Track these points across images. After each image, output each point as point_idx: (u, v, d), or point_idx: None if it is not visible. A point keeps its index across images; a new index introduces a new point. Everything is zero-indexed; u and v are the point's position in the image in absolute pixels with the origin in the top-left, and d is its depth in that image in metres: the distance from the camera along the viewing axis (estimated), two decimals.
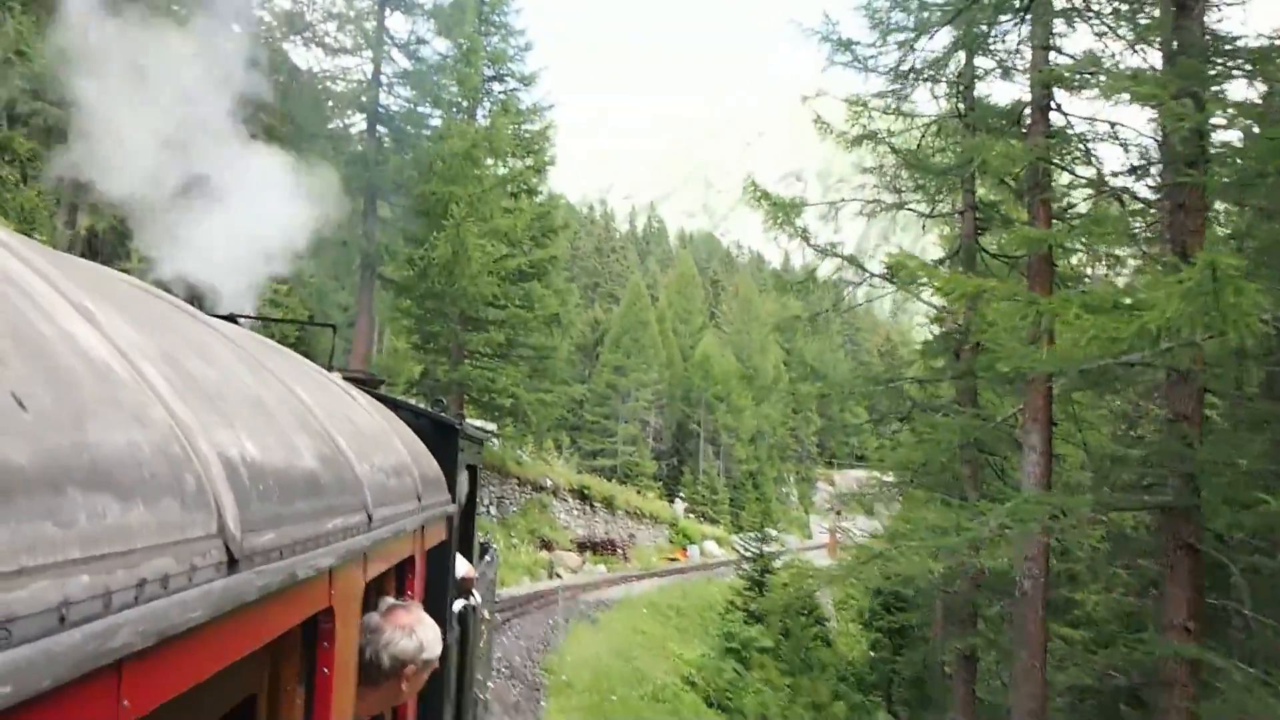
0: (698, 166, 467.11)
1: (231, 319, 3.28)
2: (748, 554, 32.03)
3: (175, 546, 0.87)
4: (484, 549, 7.08)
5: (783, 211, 14.91)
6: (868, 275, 15.56)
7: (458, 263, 27.81)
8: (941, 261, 15.85)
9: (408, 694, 2.64)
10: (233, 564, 1.02)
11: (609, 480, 49.25)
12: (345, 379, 3.52)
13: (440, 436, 4.22)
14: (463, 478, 4.60)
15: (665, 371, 65.37)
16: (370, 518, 1.85)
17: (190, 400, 1.12)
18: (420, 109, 30.73)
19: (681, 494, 61.37)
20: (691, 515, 58.71)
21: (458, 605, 4.20)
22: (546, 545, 35.05)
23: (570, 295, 39.81)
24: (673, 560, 46.31)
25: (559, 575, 33.25)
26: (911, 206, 16.41)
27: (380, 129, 30.68)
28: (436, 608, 3.51)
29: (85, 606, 0.67)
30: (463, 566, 4.54)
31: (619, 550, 41.73)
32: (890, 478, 18.06)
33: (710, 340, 72.93)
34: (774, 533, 40.04)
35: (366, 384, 4.32)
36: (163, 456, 0.91)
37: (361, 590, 1.96)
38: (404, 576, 2.90)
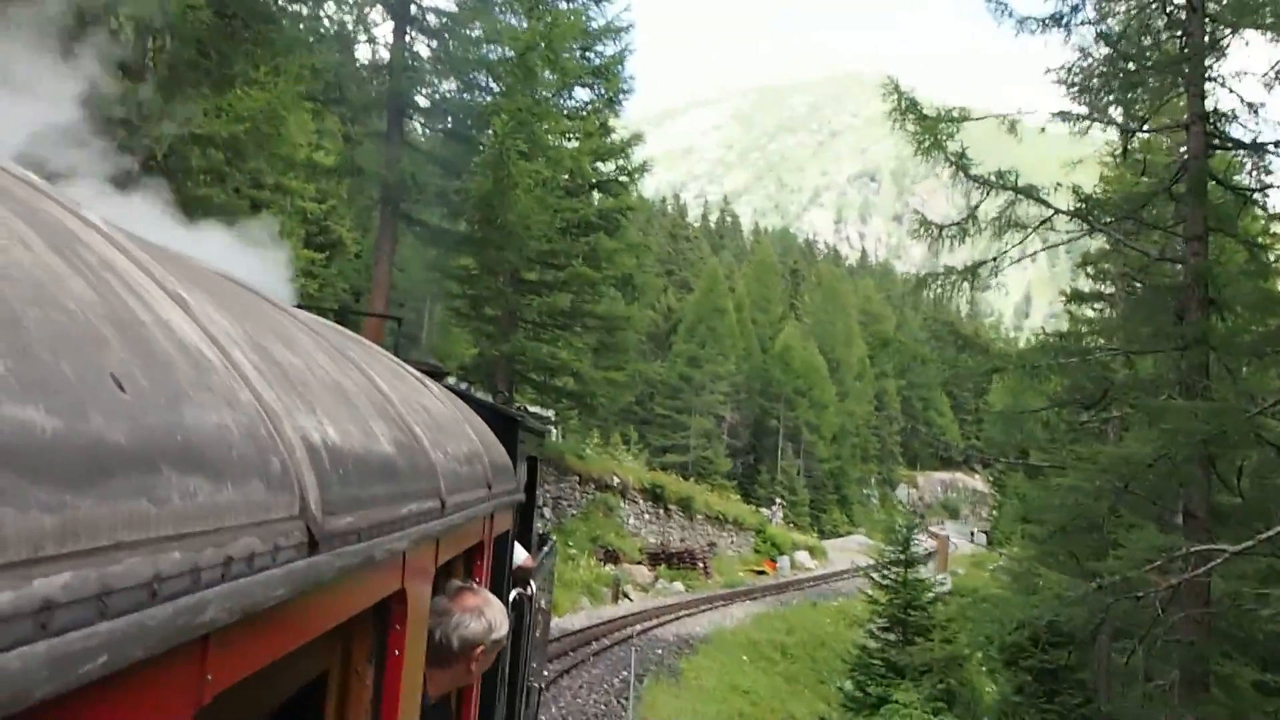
0: (770, 165, 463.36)
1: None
2: (885, 580, 21.97)
3: (260, 527, 0.90)
4: (543, 540, 7.22)
5: (932, 131, 11.70)
6: (1051, 213, 12.14)
7: (499, 194, 21.29)
8: (1151, 198, 12.17)
9: (475, 674, 2.71)
10: (313, 545, 1.05)
11: (684, 479, 43.78)
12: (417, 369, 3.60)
13: (500, 429, 4.26)
14: (521, 469, 4.67)
15: (743, 363, 62.69)
16: (443, 504, 1.89)
17: (276, 385, 1.16)
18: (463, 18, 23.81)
19: (778, 498, 58.24)
20: (788, 523, 54.65)
21: (512, 594, 4.26)
22: (611, 557, 29.94)
23: (646, 254, 32.59)
24: (760, 573, 40.84)
25: (626, 595, 27.93)
26: (1114, 117, 12.79)
27: (412, 34, 23.78)
28: (501, 593, 3.58)
29: (175, 582, 0.70)
30: (521, 555, 4.61)
31: (699, 563, 35.72)
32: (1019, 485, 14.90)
33: (791, 331, 70.14)
34: (936, 536, 31.34)
35: (434, 375, 4.40)
36: (250, 439, 0.95)
37: (432, 574, 2.01)
38: (472, 562, 2.96)
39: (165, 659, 0.70)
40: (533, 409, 26.63)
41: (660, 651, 21.35)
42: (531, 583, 4.94)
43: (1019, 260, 12.86)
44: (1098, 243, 19.97)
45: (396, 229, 23.55)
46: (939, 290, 13.34)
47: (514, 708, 4.72)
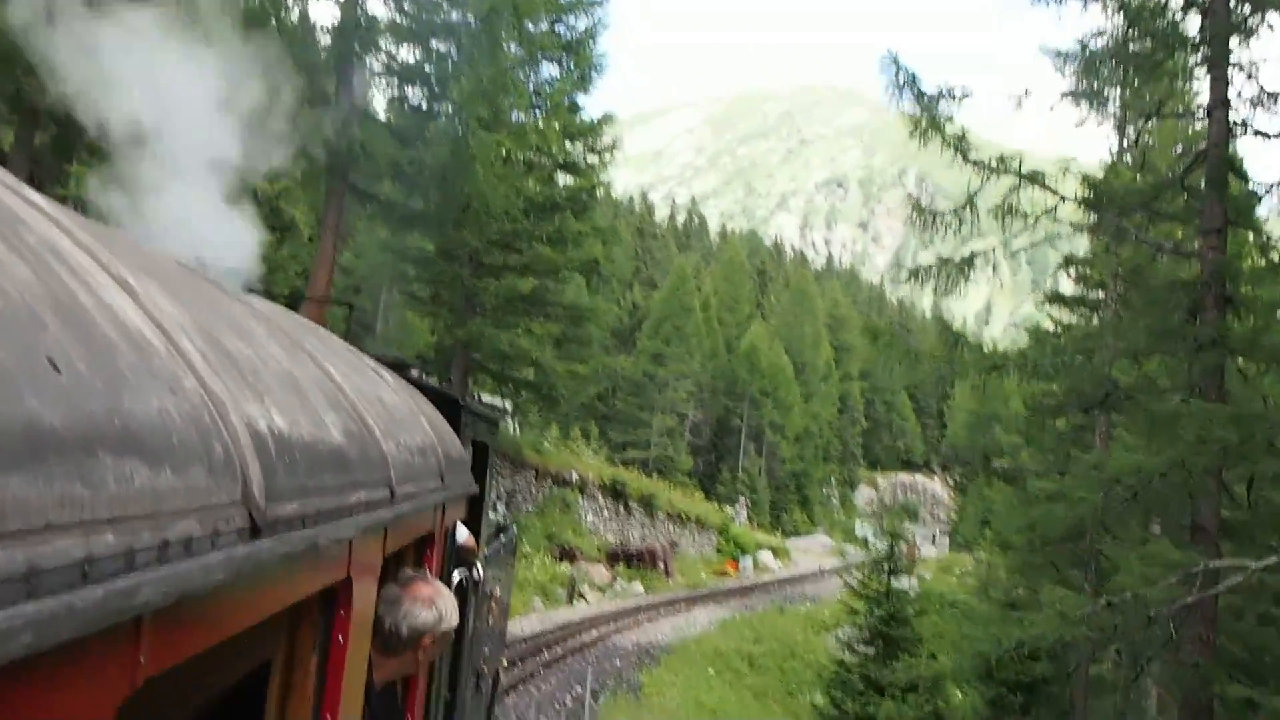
0: (740, 170, 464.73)
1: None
2: (865, 590, 19.87)
3: (200, 512, 0.90)
4: (502, 528, 7.17)
5: (931, 111, 11.10)
6: (1059, 200, 11.40)
7: (457, 167, 19.96)
8: (1159, 191, 11.27)
9: (423, 662, 2.74)
10: (255, 531, 1.06)
11: (645, 476, 43.00)
12: (377, 360, 3.59)
13: (442, 411, 4.22)
14: (466, 454, 4.64)
15: (708, 362, 62.36)
16: (393, 493, 1.89)
17: (223, 373, 1.16)
18: None
19: (742, 495, 57.98)
20: (752, 523, 54.45)
21: (456, 576, 4.25)
22: (568, 554, 28.91)
23: (616, 239, 30.71)
24: (723, 574, 40.08)
25: (583, 596, 26.84)
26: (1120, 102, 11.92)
27: None
28: (447, 579, 3.60)
29: (108, 564, 0.70)
30: (463, 534, 4.59)
31: (660, 563, 34.21)
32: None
33: (759, 331, 69.79)
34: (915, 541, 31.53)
35: (396, 367, 4.38)
36: (192, 425, 0.95)
37: (380, 563, 2.02)
38: (423, 552, 2.97)
39: (95, 641, 0.70)
40: (489, 399, 26.15)
41: (619, 662, 19.63)
42: (477, 565, 4.94)
43: (1014, 253, 12.42)
44: (1081, 243, 19.73)
45: (345, 201, 21.53)
46: (933, 282, 12.67)
47: (457, 691, 4.73)
